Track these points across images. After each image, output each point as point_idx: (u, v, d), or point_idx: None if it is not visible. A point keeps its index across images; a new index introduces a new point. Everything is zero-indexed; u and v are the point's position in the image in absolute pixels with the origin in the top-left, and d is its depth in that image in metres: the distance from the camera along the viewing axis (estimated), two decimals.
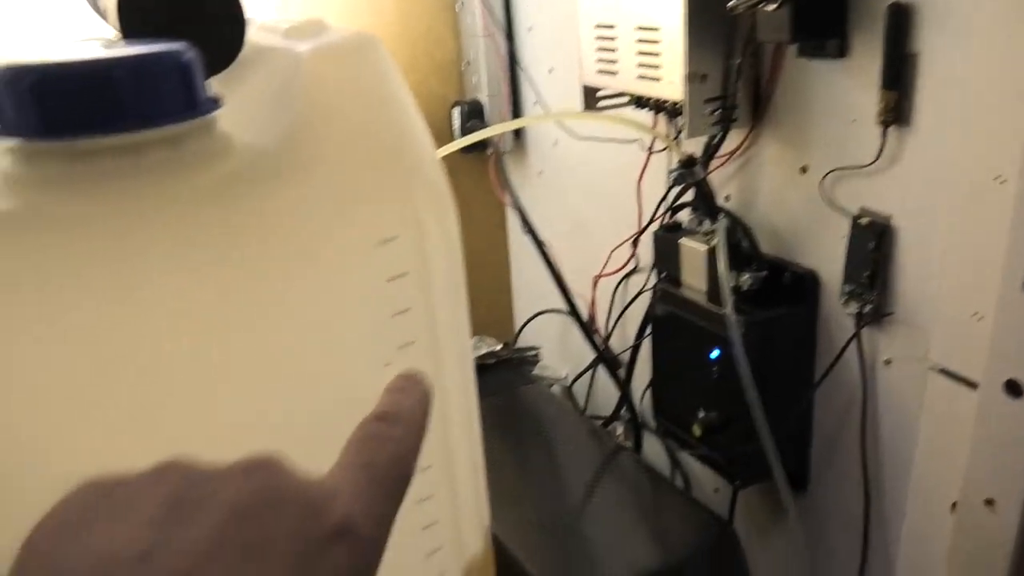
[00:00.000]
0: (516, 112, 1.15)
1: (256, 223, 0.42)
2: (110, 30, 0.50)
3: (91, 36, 0.56)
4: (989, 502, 0.55)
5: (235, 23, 0.50)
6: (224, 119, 0.45)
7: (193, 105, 0.40)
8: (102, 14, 0.55)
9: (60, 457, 0.37)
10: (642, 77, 0.74)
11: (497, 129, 0.77)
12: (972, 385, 0.57)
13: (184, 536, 0.19)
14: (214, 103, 0.43)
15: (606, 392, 1.09)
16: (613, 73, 0.78)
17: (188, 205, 0.40)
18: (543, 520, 0.78)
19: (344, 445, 0.24)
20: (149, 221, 0.38)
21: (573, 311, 0.90)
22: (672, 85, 0.71)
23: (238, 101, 0.49)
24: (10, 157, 0.38)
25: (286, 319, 0.43)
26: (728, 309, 0.61)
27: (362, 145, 0.45)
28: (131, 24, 0.48)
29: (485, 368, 1.02)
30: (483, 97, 1.13)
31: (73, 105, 0.37)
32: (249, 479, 0.21)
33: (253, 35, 0.53)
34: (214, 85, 0.49)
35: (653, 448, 0.98)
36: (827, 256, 0.69)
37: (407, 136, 0.48)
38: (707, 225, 0.73)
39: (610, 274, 0.98)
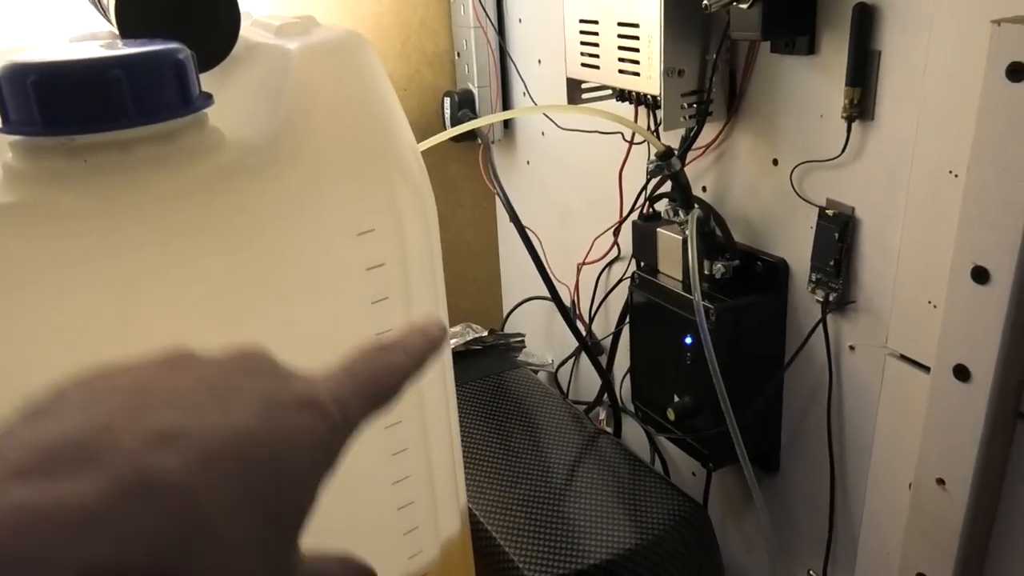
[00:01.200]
0: (506, 101, 1.18)
1: (243, 214, 0.44)
2: (111, 25, 0.53)
3: (91, 33, 0.58)
4: (940, 482, 0.58)
5: (230, 20, 0.53)
6: (216, 114, 0.48)
7: (186, 102, 0.43)
8: (103, 10, 0.57)
9: None
10: (623, 71, 0.77)
11: (482, 121, 0.79)
12: (927, 370, 0.60)
13: (170, 378, 0.22)
14: (206, 100, 0.45)
15: (589, 377, 1.12)
16: (596, 67, 0.81)
17: (180, 197, 0.42)
18: (522, 501, 0.81)
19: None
20: (143, 213, 0.41)
21: (556, 299, 0.93)
22: (650, 80, 0.73)
23: (230, 96, 0.52)
24: (12, 151, 0.41)
25: (269, 305, 0.46)
26: (697, 297, 0.64)
27: (345, 141, 0.48)
28: (129, 21, 0.50)
29: (472, 354, 1.04)
30: (474, 87, 1.16)
31: (72, 102, 0.39)
32: (237, 352, 0.24)
33: (247, 31, 0.56)
34: (208, 79, 0.51)
35: (634, 432, 1.01)
36: (796, 245, 0.72)
37: (389, 132, 0.51)
38: (683, 215, 0.76)
39: (593, 262, 1.00)
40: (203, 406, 0.21)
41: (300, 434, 0.22)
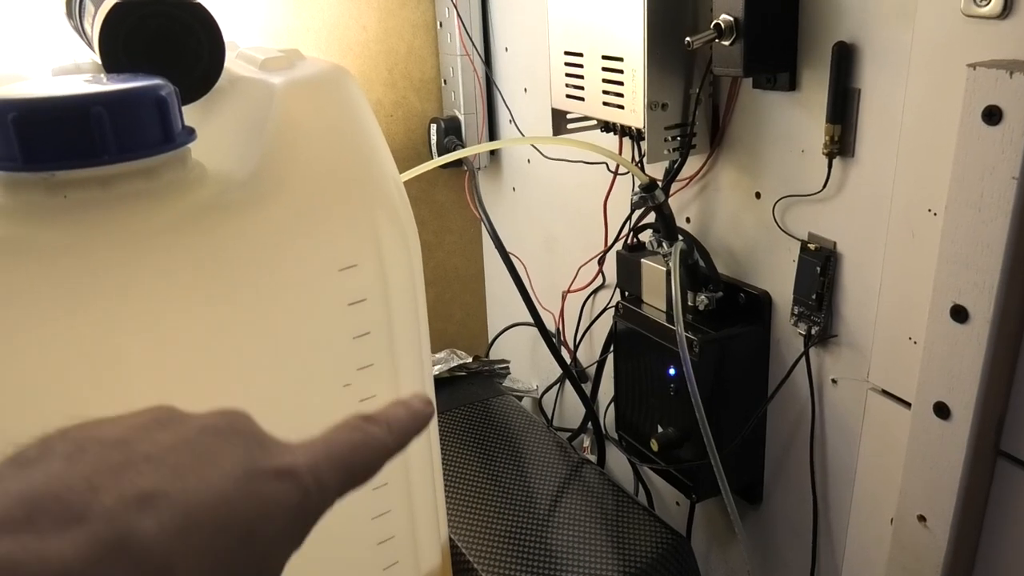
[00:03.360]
0: (492, 128, 1.18)
1: (225, 250, 0.44)
2: (95, 55, 0.53)
3: (75, 65, 0.58)
4: (922, 518, 0.58)
5: (213, 53, 0.53)
6: (199, 148, 0.48)
7: (169, 138, 0.43)
8: (88, 40, 0.57)
9: None
10: (607, 104, 0.77)
11: (469, 151, 0.79)
12: (908, 405, 0.60)
13: (154, 436, 0.23)
14: (188, 135, 0.45)
15: (574, 404, 1.12)
16: (580, 99, 0.81)
17: (161, 233, 0.42)
18: (505, 532, 0.80)
19: None
20: (124, 249, 0.41)
21: (539, 325, 0.93)
22: (634, 113, 0.74)
23: (213, 130, 0.52)
24: None
25: (251, 341, 0.46)
26: (680, 329, 0.64)
27: (328, 176, 0.48)
28: (112, 53, 0.50)
29: (456, 380, 1.04)
30: (460, 114, 1.16)
31: (53, 139, 0.39)
32: (220, 415, 0.25)
33: (232, 64, 0.56)
34: (192, 112, 0.51)
35: (618, 460, 1.01)
36: (779, 278, 0.73)
37: (372, 166, 0.51)
38: (667, 247, 0.76)
39: (578, 290, 1.01)
40: (184, 468, 0.22)
41: (275, 505, 0.23)
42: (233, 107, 0.53)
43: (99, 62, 0.50)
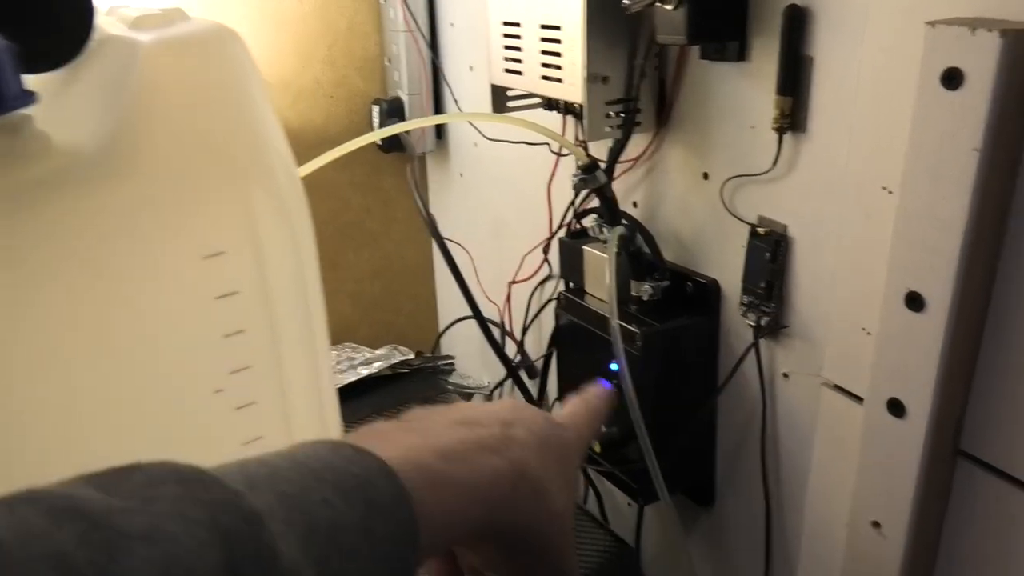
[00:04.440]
0: (438, 110, 1.12)
1: (66, 231, 0.38)
2: None
3: None
4: (876, 524, 0.53)
5: (82, 13, 0.46)
6: (55, 116, 0.41)
7: None
8: None
9: None
10: (546, 78, 0.72)
11: (396, 129, 0.73)
12: (863, 401, 0.55)
13: (497, 409, 0.37)
14: (24, 98, 0.39)
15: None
16: (519, 73, 0.75)
17: None
18: None
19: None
20: None
21: (479, 319, 0.87)
22: (573, 86, 0.68)
23: (73, 97, 0.45)
24: None
25: (97, 339, 0.39)
26: (614, 321, 0.59)
27: (193, 148, 0.42)
28: None
29: (398, 377, 0.98)
30: (404, 95, 1.10)
31: None
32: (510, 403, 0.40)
33: (104, 23, 0.49)
34: (55, 78, 0.45)
35: None
36: (729, 265, 0.67)
37: (250, 139, 0.44)
38: (609, 232, 0.71)
39: (523, 280, 0.95)
40: (526, 424, 0.36)
41: (567, 442, 0.38)
42: (95, 71, 0.46)
43: None
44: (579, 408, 0.43)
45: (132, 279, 0.40)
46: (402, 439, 0.31)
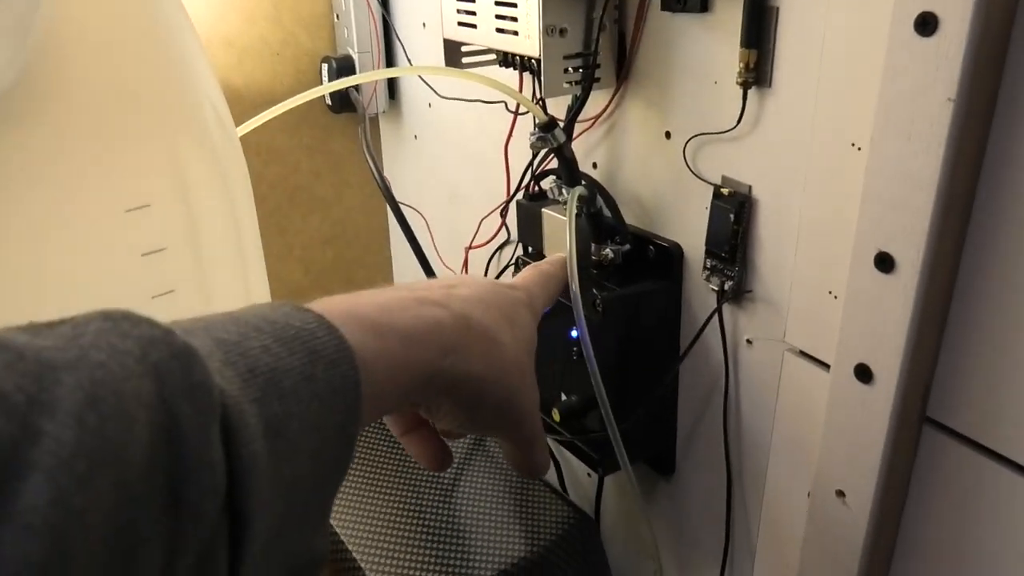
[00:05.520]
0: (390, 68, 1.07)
1: None
2: None
3: None
4: (840, 494, 0.52)
5: None
6: None
7: None
8: None
9: None
10: (501, 30, 0.68)
11: (339, 84, 0.68)
12: (828, 368, 0.54)
13: (453, 282, 0.38)
14: None
15: None
16: (473, 26, 0.72)
17: None
18: (395, 514, 0.72)
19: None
20: None
21: None
22: (529, 40, 0.65)
23: None
24: None
25: (6, 300, 0.35)
26: (573, 285, 0.56)
27: (111, 91, 0.38)
28: None
29: None
30: (354, 52, 1.05)
31: None
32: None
33: None
34: None
35: None
36: (692, 228, 0.65)
37: (175, 84, 0.40)
38: (568, 194, 0.68)
39: (480, 246, 0.92)
40: (471, 288, 0.37)
41: (515, 300, 0.39)
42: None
43: None
44: (530, 272, 0.44)
45: (46, 234, 0.36)
46: (341, 299, 0.31)
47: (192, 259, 0.40)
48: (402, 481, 0.77)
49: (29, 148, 0.36)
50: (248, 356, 0.25)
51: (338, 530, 0.70)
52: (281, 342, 0.26)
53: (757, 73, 0.55)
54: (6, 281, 0.35)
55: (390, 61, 1.07)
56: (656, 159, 0.67)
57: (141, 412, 0.20)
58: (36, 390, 0.19)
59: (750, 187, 0.59)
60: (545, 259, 0.45)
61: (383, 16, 1.04)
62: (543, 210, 0.72)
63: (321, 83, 1.08)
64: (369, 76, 0.95)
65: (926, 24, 0.40)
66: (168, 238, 0.39)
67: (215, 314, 0.27)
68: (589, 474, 0.88)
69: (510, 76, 0.73)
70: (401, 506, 0.74)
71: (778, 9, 0.54)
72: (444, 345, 0.32)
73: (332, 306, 0.29)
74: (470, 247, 0.93)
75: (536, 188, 0.76)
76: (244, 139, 0.51)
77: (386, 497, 0.75)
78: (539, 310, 0.42)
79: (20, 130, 0.36)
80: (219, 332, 0.25)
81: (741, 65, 0.55)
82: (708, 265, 0.63)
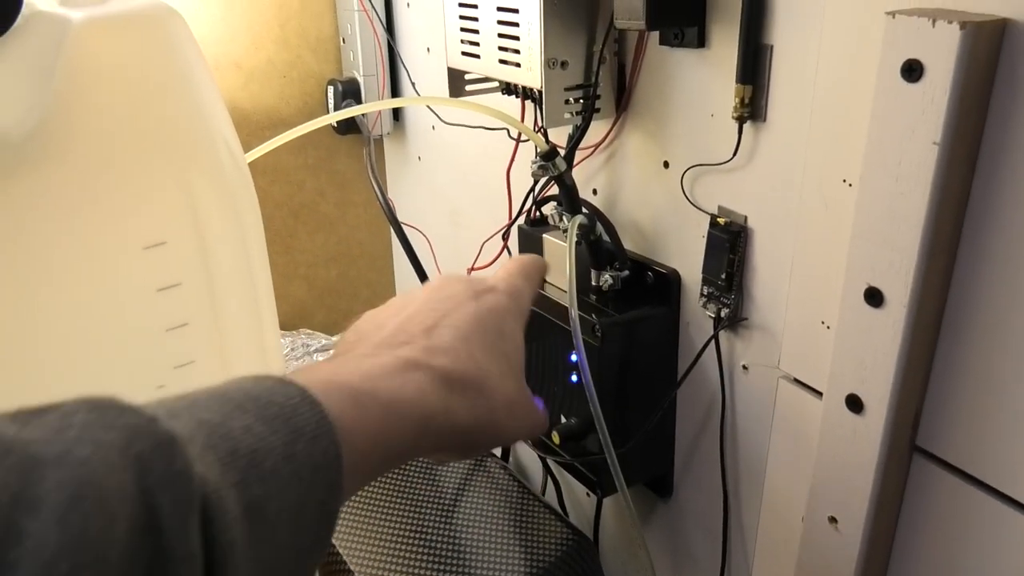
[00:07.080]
0: (395, 92, 1.09)
1: None
2: None
3: None
4: (833, 520, 0.53)
5: None
6: None
7: None
8: None
9: None
10: (504, 62, 0.70)
11: (349, 112, 0.70)
12: (821, 395, 0.55)
13: (417, 302, 0.39)
14: None
15: None
16: (476, 56, 0.73)
17: None
18: (397, 535, 0.73)
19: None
20: None
21: None
22: (531, 72, 0.66)
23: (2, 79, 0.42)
24: None
25: (29, 335, 0.37)
26: (573, 310, 0.58)
27: (129, 133, 0.39)
28: None
29: None
30: (359, 75, 1.07)
31: None
32: (440, 278, 0.41)
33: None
34: None
35: (529, 452, 0.94)
36: (689, 256, 0.66)
37: (192, 123, 0.42)
38: (568, 221, 0.69)
39: (482, 267, 0.93)
40: (443, 308, 0.38)
41: (496, 306, 0.39)
42: (21, 49, 0.43)
43: None
44: (513, 264, 0.44)
45: (67, 271, 0.37)
46: (325, 367, 0.32)
47: (206, 292, 0.41)
48: (403, 502, 0.78)
49: (51, 189, 0.37)
50: (230, 438, 0.25)
51: (340, 550, 0.71)
52: (263, 420, 0.26)
53: (752, 108, 0.57)
54: (29, 316, 0.37)
55: (395, 84, 1.08)
56: (655, 187, 0.69)
57: (122, 507, 0.21)
58: (21, 487, 0.20)
59: (745, 217, 0.60)
60: (524, 255, 0.45)
61: (388, 41, 1.06)
62: (544, 236, 0.74)
63: (327, 104, 1.09)
64: (375, 106, 0.98)
65: (912, 71, 0.42)
66: (183, 273, 0.40)
67: (201, 390, 0.27)
68: (588, 495, 0.89)
69: (512, 103, 0.75)
70: (402, 526, 0.75)
71: (772, 47, 0.55)
72: (426, 413, 0.32)
73: (315, 377, 0.30)
74: (472, 268, 0.94)
75: (537, 214, 0.78)
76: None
77: (387, 517, 0.76)
78: (526, 306, 0.42)
79: (42, 171, 0.37)
80: (203, 412, 0.26)
81: (737, 100, 0.57)
82: (705, 292, 0.64)
